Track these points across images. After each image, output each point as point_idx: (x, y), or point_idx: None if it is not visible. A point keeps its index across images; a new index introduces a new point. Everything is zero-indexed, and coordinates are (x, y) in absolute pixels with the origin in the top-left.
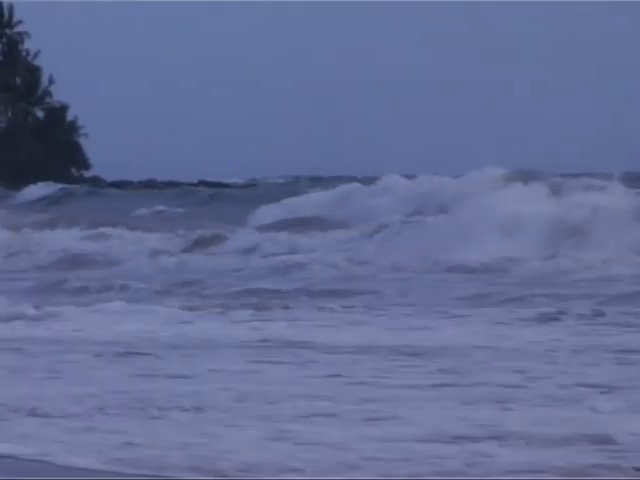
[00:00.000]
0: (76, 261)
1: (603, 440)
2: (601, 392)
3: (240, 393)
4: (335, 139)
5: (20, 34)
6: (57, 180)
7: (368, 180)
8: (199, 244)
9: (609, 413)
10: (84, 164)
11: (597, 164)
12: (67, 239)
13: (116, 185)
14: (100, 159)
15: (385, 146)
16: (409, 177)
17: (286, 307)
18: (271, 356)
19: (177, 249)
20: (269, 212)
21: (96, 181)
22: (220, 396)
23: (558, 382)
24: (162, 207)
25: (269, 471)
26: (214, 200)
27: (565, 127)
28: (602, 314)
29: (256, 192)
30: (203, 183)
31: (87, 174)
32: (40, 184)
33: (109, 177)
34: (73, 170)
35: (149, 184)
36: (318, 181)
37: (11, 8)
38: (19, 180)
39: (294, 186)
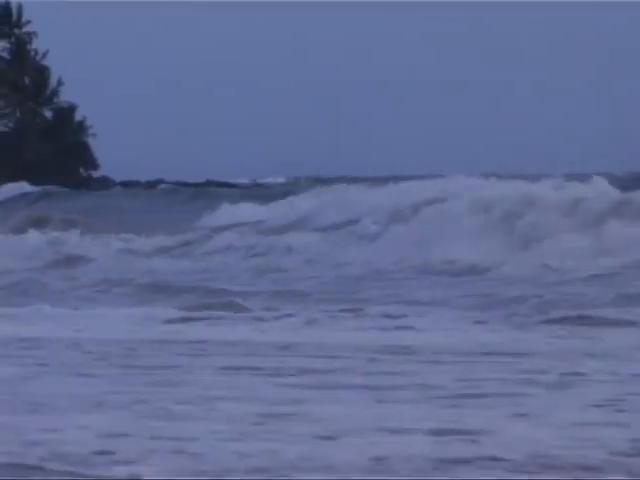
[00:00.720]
0: (48, 262)
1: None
2: (528, 394)
3: (137, 394)
4: (336, 139)
5: (29, 34)
6: (66, 180)
7: (369, 180)
8: (182, 244)
9: (513, 413)
10: (92, 164)
11: (597, 164)
12: (38, 240)
13: (124, 185)
14: (109, 159)
15: (385, 146)
16: (409, 177)
17: (250, 307)
18: (217, 357)
19: (153, 250)
20: (222, 214)
21: (105, 181)
22: (113, 398)
23: (491, 383)
24: (143, 206)
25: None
26: (197, 199)
27: (565, 127)
28: (584, 316)
29: (240, 193)
30: (210, 183)
31: (95, 174)
32: (23, 182)
33: (118, 177)
34: (82, 170)
35: (156, 184)
36: (318, 181)
37: (20, 8)
38: (27, 180)
39: (293, 186)
